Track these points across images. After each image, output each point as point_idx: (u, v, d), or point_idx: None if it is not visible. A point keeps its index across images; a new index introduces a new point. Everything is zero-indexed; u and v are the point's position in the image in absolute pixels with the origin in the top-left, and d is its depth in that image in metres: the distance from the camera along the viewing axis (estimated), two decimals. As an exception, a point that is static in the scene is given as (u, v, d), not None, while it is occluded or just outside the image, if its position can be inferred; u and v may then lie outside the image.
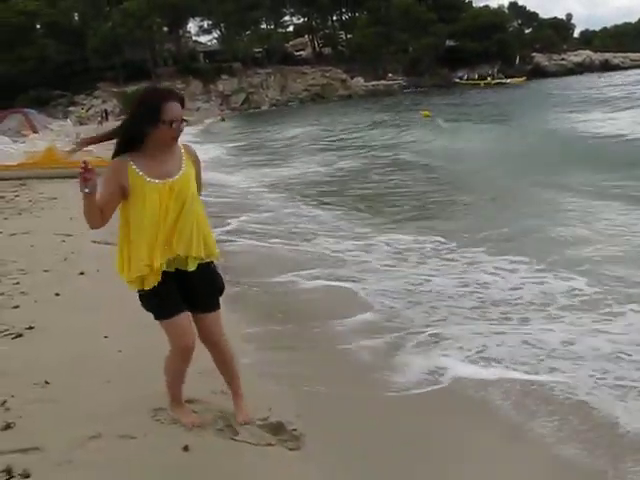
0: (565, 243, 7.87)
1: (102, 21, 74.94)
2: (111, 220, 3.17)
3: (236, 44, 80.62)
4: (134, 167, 3.08)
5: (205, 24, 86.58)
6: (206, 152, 21.49)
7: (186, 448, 3.15)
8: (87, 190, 2.97)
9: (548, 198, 11.08)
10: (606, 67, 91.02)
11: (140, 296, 3.23)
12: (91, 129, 35.44)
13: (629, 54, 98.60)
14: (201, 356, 3.40)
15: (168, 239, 3.12)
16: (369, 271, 7.07)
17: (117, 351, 4.36)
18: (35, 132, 20.55)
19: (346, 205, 11.93)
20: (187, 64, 77.81)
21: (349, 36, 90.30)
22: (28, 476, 2.88)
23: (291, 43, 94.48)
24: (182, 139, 3.23)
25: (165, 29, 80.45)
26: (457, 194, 12.35)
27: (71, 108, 67.07)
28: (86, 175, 2.95)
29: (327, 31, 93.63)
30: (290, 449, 3.28)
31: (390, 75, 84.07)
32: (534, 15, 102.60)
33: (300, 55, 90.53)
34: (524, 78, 77.54)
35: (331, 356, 4.77)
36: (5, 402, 3.56)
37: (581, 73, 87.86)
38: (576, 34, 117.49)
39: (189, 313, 3.25)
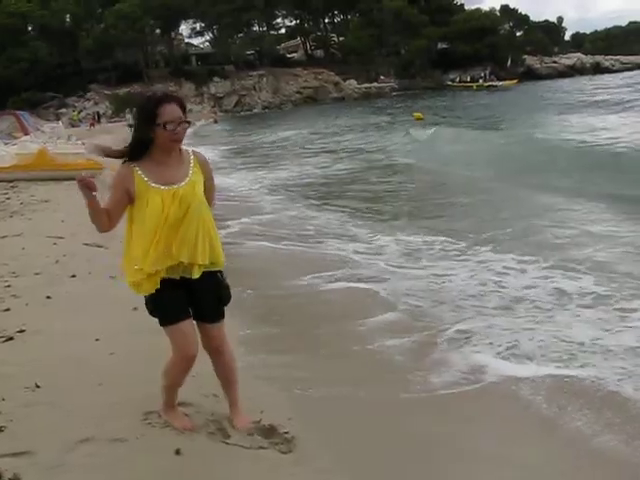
0: (565, 243, 8.08)
1: (94, 23, 74.80)
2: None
3: (228, 46, 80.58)
4: (139, 172, 3.13)
5: (197, 26, 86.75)
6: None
7: (178, 452, 3.14)
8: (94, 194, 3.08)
9: (542, 200, 11.25)
10: (597, 70, 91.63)
11: (145, 301, 3.26)
12: (82, 132, 35.41)
13: (619, 57, 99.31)
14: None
15: (168, 245, 3.12)
16: (385, 272, 7.19)
17: (109, 354, 4.34)
18: (27, 134, 20.41)
19: (348, 207, 12.02)
20: (179, 66, 77.78)
21: (341, 38, 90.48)
22: (19, 480, 2.85)
23: (283, 45, 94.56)
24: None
25: (157, 31, 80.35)
26: (453, 196, 12.44)
27: (63, 110, 66.91)
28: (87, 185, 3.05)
29: (319, 33, 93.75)
30: (282, 452, 3.27)
31: (382, 77, 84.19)
32: (525, 18, 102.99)
33: (292, 57, 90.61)
34: (516, 81, 77.71)
35: (362, 357, 4.87)
36: (-5, 406, 3.53)
37: (572, 75, 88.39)
38: (567, 37, 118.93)
39: (193, 321, 3.25)
